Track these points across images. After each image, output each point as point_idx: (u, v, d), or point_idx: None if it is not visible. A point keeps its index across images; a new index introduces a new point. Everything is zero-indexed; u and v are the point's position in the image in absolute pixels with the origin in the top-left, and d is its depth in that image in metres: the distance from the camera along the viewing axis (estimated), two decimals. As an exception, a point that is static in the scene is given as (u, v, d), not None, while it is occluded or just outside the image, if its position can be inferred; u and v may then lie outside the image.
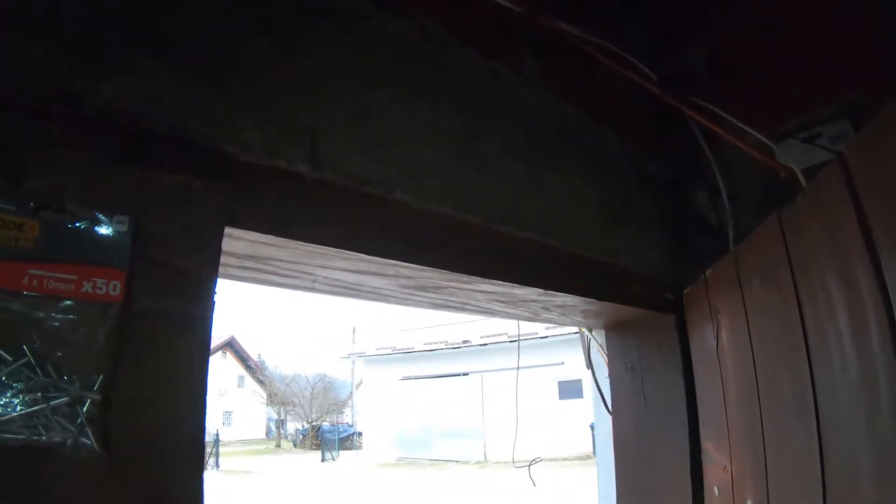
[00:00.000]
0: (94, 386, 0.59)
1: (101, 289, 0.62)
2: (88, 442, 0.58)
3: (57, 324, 0.60)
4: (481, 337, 14.58)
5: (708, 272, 1.24)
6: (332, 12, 0.88)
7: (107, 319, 0.62)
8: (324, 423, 23.80)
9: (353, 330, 19.63)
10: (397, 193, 0.84)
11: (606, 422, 1.46)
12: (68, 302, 0.61)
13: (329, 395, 26.25)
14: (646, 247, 1.29)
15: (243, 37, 0.79)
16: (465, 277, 0.93)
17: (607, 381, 1.45)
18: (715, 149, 1.37)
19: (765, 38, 1.39)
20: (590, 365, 1.50)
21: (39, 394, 0.57)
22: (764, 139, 1.27)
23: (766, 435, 1.06)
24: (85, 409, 0.59)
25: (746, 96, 1.39)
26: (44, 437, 0.56)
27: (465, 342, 15.12)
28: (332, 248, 0.79)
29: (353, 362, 19.18)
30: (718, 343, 1.21)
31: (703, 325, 1.25)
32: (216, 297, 0.70)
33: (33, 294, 0.59)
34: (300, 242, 0.77)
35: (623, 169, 1.31)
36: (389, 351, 16.82)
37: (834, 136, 1.28)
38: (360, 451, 18.68)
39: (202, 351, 0.67)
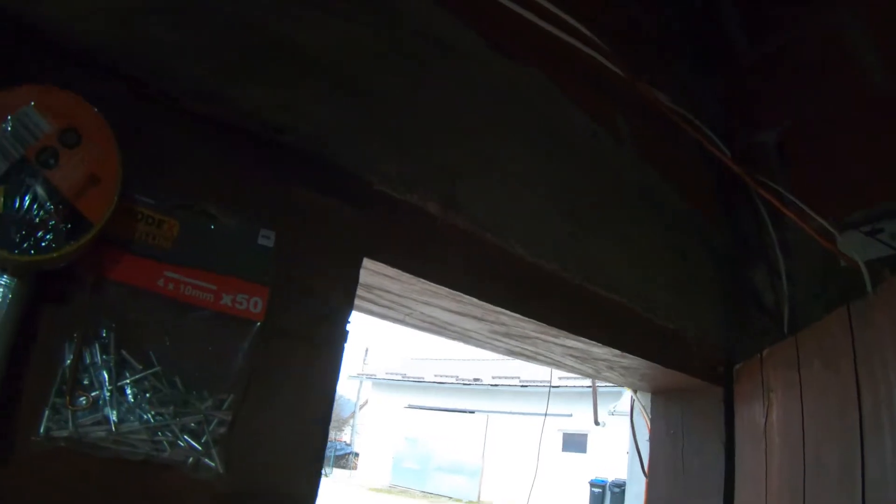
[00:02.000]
0: (224, 405, 0.60)
1: (241, 304, 0.63)
2: (212, 463, 0.58)
3: (191, 335, 0.60)
4: (493, 377, 14.65)
5: (765, 351, 1.31)
6: (463, 57, 0.94)
7: (245, 337, 0.63)
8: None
9: (366, 350, 19.63)
10: (514, 244, 0.89)
11: (639, 485, 1.51)
12: (205, 312, 0.61)
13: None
14: (709, 319, 1.35)
15: (382, 65, 0.83)
16: (555, 331, 0.98)
17: (646, 443, 1.51)
18: (778, 228, 1.44)
19: (832, 132, 1.49)
20: (631, 424, 1.55)
21: (171, 408, 0.57)
22: (827, 226, 1.35)
23: (809, 509, 1.13)
24: (212, 427, 0.59)
25: (812, 182, 1.47)
26: (166, 454, 0.56)
27: (476, 380, 15.15)
28: (446, 289, 0.84)
29: (361, 383, 19.20)
30: (767, 420, 1.27)
31: (753, 400, 1.31)
32: (350, 326, 0.74)
33: (168, 298, 0.59)
34: (419, 279, 0.82)
35: (692, 239, 1.38)
36: (399, 377, 16.95)
37: (895, 232, 1.36)
38: (353, 472, 18.63)
39: (333, 376, 0.70)
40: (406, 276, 0.81)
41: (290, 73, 0.73)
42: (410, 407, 16.36)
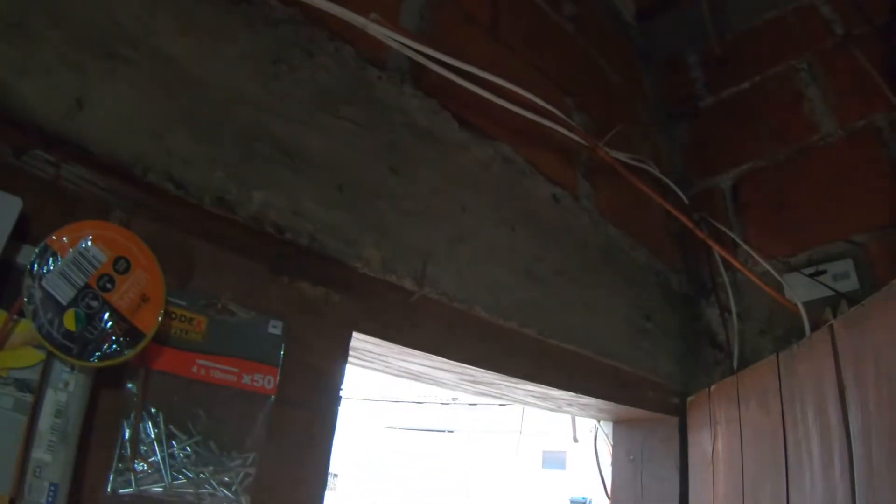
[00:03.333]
0: (248, 462, 0.81)
1: (258, 382, 0.84)
2: None
3: (220, 408, 0.80)
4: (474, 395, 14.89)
5: (713, 387, 1.54)
6: (436, 142, 1.16)
7: (262, 408, 0.84)
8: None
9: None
10: (478, 309, 1.11)
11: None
12: (231, 391, 0.82)
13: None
14: (662, 356, 1.58)
15: (369, 160, 1.03)
16: (515, 380, 1.20)
17: (608, 468, 1.75)
18: (729, 270, 1.68)
19: (782, 176, 1.72)
20: (595, 450, 1.79)
21: (210, 467, 0.78)
22: (771, 269, 1.59)
23: (747, 538, 1.37)
24: (240, 479, 0.80)
25: (763, 225, 1.71)
26: (207, 502, 0.76)
27: (454, 399, 15.40)
28: (419, 351, 1.06)
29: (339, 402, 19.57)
30: (714, 449, 1.51)
31: (702, 430, 1.55)
32: (342, 391, 0.95)
33: (201, 381, 0.79)
34: (395, 344, 1.03)
35: (650, 284, 1.61)
36: (377, 397, 17.20)
37: (837, 274, 1.59)
38: (332, 492, 18.93)
39: (330, 433, 0.91)
40: (385, 343, 1.03)
41: (289, 176, 0.92)
42: (390, 427, 16.66)
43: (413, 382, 1.29)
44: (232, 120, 0.87)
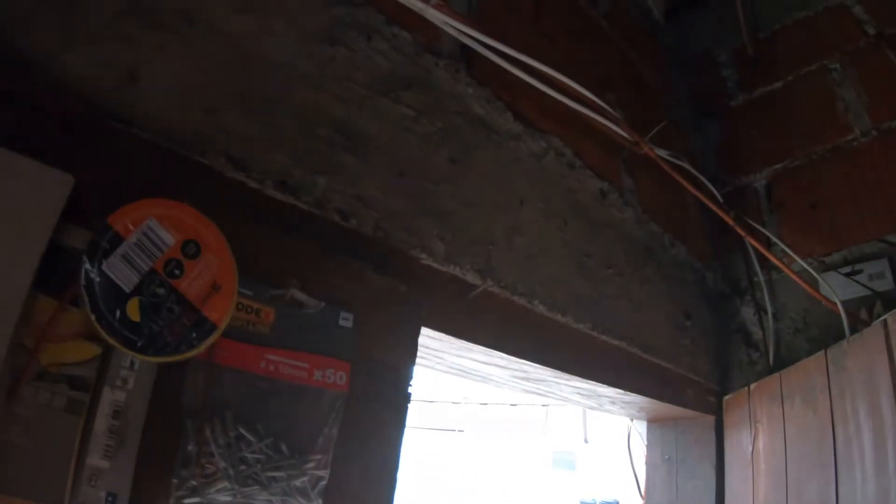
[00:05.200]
0: (324, 464, 0.72)
1: (329, 378, 0.75)
2: None
3: (291, 407, 0.71)
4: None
5: (753, 385, 1.48)
6: (490, 131, 1.08)
7: (335, 406, 0.75)
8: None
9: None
10: (536, 303, 1.03)
11: (635, 505, 1.68)
12: (301, 387, 0.73)
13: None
14: (700, 354, 1.51)
15: (428, 147, 0.96)
16: (567, 376, 1.13)
17: (642, 468, 1.67)
18: (764, 269, 1.61)
19: (817, 175, 1.66)
20: (628, 451, 1.72)
21: (283, 472, 0.69)
22: (808, 268, 1.52)
23: (792, 538, 1.30)
24: (314, 483, 0.71)
25: (798, 224, 1.64)
26: None
27: (465, 398, 15.31)
28: (479, 346, 0.98)
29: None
30: (754, 448, 1.44)
31: (741, 429, 1.48)
32: (412, 386, 0.87)
33: (270, 378, 0.70)
34: (457, 339, 0.96)
35: (688, 282, 1.54)
36: None
37: (873, 273, 1.53)
38: None
39: (401, 430, 0.83)
40: (446, 337, 0.95)
41: (352, 161, 0.85)
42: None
43: (464, 380, 1.22)
44: (289, 100, 0.80)
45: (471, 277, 0.95)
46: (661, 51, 1.90)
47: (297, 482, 0.71)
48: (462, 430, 15.53)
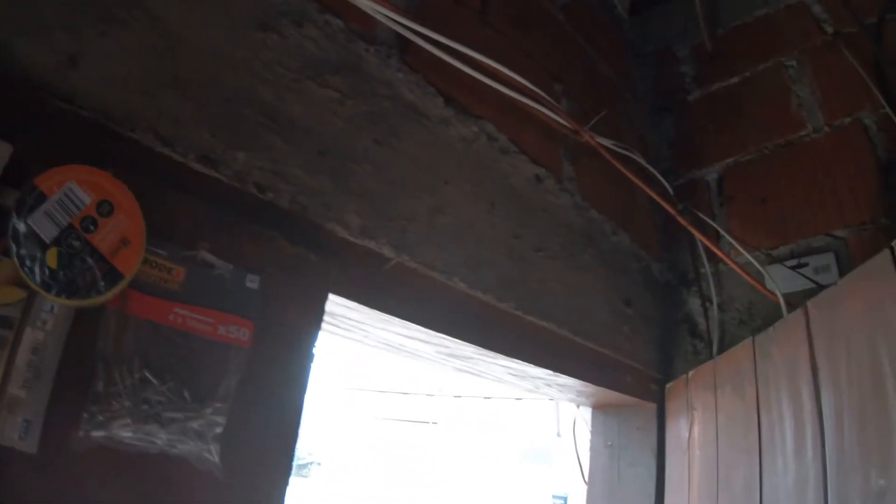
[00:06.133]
0: (221, 412, 0.83)
1: (233, 334, 0.87)
2: (211, 457, 0.81)
3: (195, 357, 0.83)
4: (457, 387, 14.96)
5: (690, 373, 1.58)
6: (420, 116, 1.20)
7: (235, 359, 0.87)
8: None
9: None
10: (456, 281, 1.14)
11: (582, 494, 1.79)
12: (206, 340, 0.84)
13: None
14: (641, 342, 1.62)
15: (352, 129, 1.08)
16: (492, 353, 1.24)
17: (586, 453, 1.78)
18: (712, 261, 1.72)
19: (768, 170, 1.77)
20: (565, 432, 1.82)
21: (183, 414, 0.80)
22: (754, 261, 1.63)
23: (719, 521, 1.40)
24: (211, 429, 0.82)
25: (747, 218, 1.75)
26: (177, 449, 0.79)
27: (439, 390, 15.44)
28: (396, 318, 1.09)
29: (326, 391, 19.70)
30: (690, 435, 1.55)
31: (680, 417, 1.59)
32: (315, 350, 0.99)
33: (177, 329, 0.82)
34: (374, 310, 1.07)
35: (631, 271, 1.65)
36: (362, 387, 17.27)
37: (818, 266, 1.64)
38: (305, 479, 19.03)
39: (303, 388, 0.94)
40: (362, 307, 1.06)
41: (275, 139, 0.97)
42: (374, 417, 16.73)
43: (395, 356, 1.33)
44: (220, 84, 0.91)
45: (386, 251, 1.06)
46: (622, 45, 2.02)
47: (195, 424, 0.82)
48: (436, 423, 15.71)
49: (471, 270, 1.17)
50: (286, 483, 0.93)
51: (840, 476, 1.06)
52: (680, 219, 1.58)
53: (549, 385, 1.50)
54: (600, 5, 1.96)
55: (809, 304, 1.24)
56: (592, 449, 1.77)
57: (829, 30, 1.83)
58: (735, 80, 1.92)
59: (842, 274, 1.56)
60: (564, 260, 1.42)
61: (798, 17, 1.88)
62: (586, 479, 1.77)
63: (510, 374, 1.39)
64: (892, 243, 1.00)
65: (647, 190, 1.56)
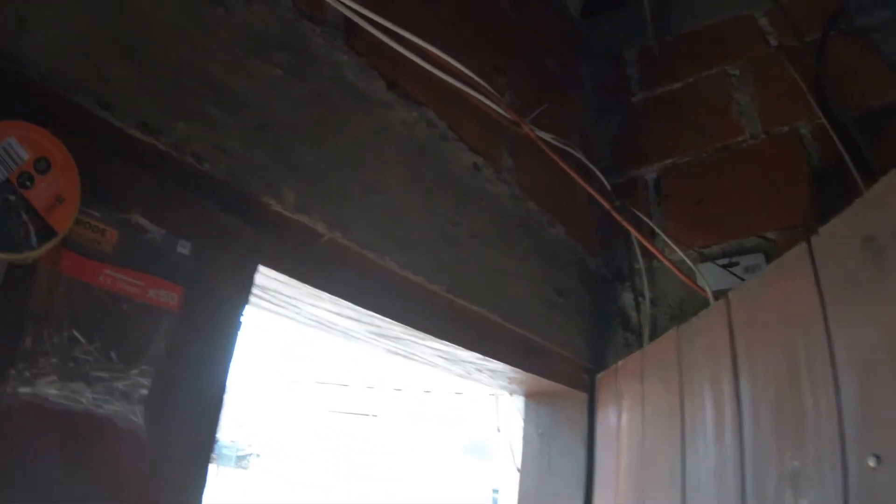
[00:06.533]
0: (148, 375, 0.89)
1: (162, 297, 0.93)
2: (136, 419, 0.87)
3: (124, 319, 0.89)
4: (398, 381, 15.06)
5: (620, 363, 1.70)
6: (362, 99, 1.28)
7: (163, 323, 0.93)
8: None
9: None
10: (388, 260, 1.23)
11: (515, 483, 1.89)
12: (135, 303, 0.91)
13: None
14: (573, 332, 1.73)
15: (294, 107, 1.15)
16: (421, 334, 1.32)
17: (519, 442, 1.89)
18: (646, 257, 1.85)
19: (704, 172, 1.90)
20: (504, 425, 1.93)
21: (108, 374, 0.86)
22: (686, 259, 1.75)
23: (644, 505, 1.52)
24: (137, 391, 0.88)
25: (682, 217, 1.89)
26: (102, 409, 0.85)
27: (380, 382, 15.51)
28: (326, 293, 1.17)
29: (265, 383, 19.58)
30: (619, 424, 1.66)
31: (609, 406, 1.71)
32: (242, 318, 1.06)
33: (107, 290, 0.88)
34: (304, 284, 1.15)
35: (566, 263, 1.76)
36: (302, 378, 17.20)
37: (749, 266, 1.78)
38: (251, 472, 18.93)
39: (230, 354, 1.01)
40: (294, 282, 1.13)
41: (216, 112, 1.03)
42: (312, 409, 16.74)
43: (326, 334, 1.40)
44: (167, 53, 0.98)
45: (320, 227, 1.14)
46: (572, 45, 2.13)
47: (121, 385, 0.88)
48: (376, 416, 15.85)
49: (403, 251, 1.26)
50: (211, 447, 1.00)
51: (757, 458, 1.16)
52: (616, 215, 1.70)
53: (480, 370, 1.59)
54: (551, 4, 2.07)
55: (731, 294, 1.35)
56: (525, 438, 1.88)
57: (774, 42, 1.98)
58: (679, 84, 2.05)
59: (769, 271, 1.69)
60: (499, 248, 1.51)
61: (745, 29, 2.03)
62: (518, 467, 1.87)
63: (440, 356, 1.48)
64: (811, 238, 1.10)
65: (584, 185, 1.67)
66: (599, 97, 2.18)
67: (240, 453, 21.38)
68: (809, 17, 1.94)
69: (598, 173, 1.80)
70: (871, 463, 0.85)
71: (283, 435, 17.06)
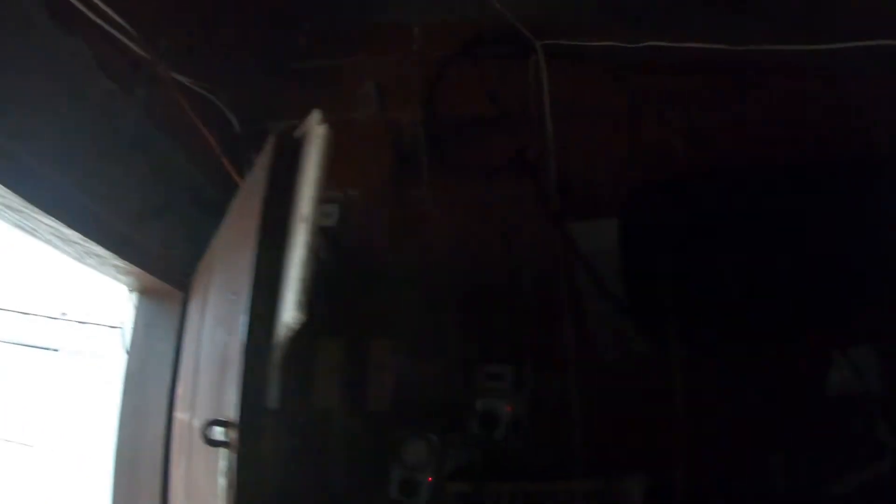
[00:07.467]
0: None
1: None
2: None
3: None
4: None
5: (200, 263, 2.58)
6: (31, 24, 1.98)
7: None
8: None
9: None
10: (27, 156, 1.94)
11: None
12: None
13: None
14: (179, 239, 2.57)
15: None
16: (35, 209, 2.06)
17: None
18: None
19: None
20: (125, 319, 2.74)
21: None
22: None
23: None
24: None
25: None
26: None
27: (63, 314, 15.01)
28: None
29: None
30: (199, 317, 2.53)
31: (193, 302, 2.57)
32: None
33: None
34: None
35: (182, 187, 2.61)
36: None
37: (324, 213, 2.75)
38: None
39: None
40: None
41: None
42: None
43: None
44: None
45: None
46: (254, 13, 2.99)
47: None
48: (57, 350, 15.59)
49: (43, 149, 1.96)
50: None
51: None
52: (226, 162, 2.57)
53: (88, 254, 2.31)
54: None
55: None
56: (134, 327, 2.70)
57: (416, 48, 3.00)
58: (326, 62, 3.02)
59: (342, 220, 2.69)
60: (122, 160, 2.29)
61: (401, 34, 3.05)
62: (128, 350, 2.69)
63: (54, 235, 2.20)
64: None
65: (196, 121, 2.46)
66: (267, 60, 3.08)
67: None
68: (451, 39, 3.00)
69: (234, 120, 2.67)
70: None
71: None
